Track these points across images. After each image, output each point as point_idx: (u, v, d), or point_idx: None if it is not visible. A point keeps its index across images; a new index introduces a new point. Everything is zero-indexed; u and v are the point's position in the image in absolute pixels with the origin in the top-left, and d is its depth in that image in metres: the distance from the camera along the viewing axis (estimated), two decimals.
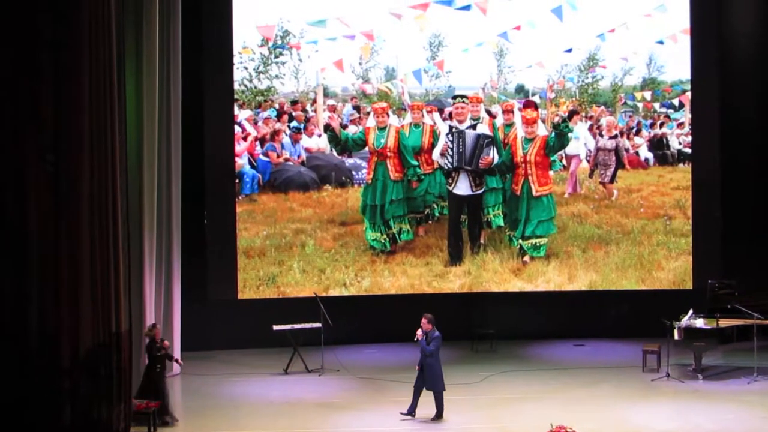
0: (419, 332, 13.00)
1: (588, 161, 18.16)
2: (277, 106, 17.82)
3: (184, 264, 15.86)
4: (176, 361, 14.07)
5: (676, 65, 17.90)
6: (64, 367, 11.69)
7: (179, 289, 15.76)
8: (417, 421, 12.92)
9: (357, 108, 18.06)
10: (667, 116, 18.30)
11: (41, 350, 11.70)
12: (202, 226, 17.16)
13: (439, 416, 13.01)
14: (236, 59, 17.32)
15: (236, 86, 17.38)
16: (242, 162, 17.50)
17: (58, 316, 11.66)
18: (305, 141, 17.85)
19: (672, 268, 17.65)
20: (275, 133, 17.69)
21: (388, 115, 17.52)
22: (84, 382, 11.74)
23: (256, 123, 17.69)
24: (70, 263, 11.64)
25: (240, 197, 17.48)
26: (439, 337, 13.03)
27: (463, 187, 17.44)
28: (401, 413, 12.99)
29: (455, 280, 17.58)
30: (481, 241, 17.70)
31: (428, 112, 17.74)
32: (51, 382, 11.67)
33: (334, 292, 17.27)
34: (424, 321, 13.03)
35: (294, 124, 17.81)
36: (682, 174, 18.05)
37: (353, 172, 17.89)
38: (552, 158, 17.52)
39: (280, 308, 16.91)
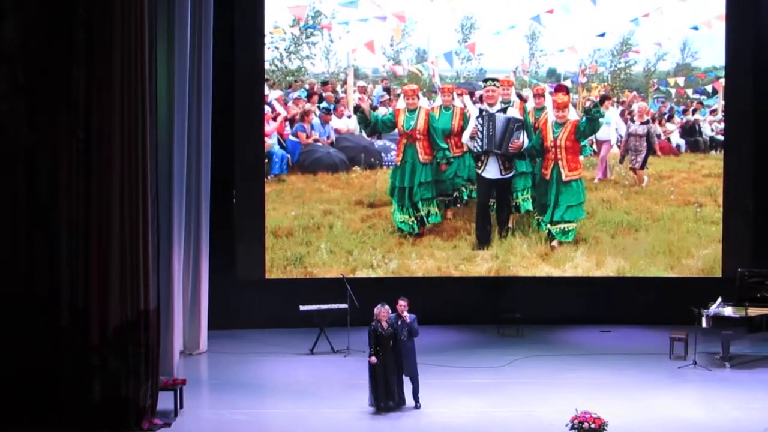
0: (406, 316, 12.81)
1: (619, 147, 18.03)
2: (307, 86, 17.82)
3: (212, 243, 15.93)
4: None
5: (711, 51, 17.70)
6: (93, 344, 11.81)
7: (207, 268, 15.83)
8: (433, 406, 12.94)
9: (387, 89, 18.02)
10: (700, 103, 18.11)
11: (71, 327, 11.83)
12: (231, 205, 17.23)
13: (418, 402, 12.89)
14: (267, 39, 17.32)
15: (267, 66, 17.39)
16: (271, 142, 17.53)
17: (88, 294, 11.78)
18: (335, 122, 17.84)
19: (701, 256, 17.53)
20: (305, 114, 17.70)
21: (418, 98, 17.47)
22: (112, 359, 11.85)
23: (286, 103, 17.70)
24: (99, 241, 11.75)
25: (269, 177, 17.51)
26: (416, 318, 12.92)
27: (492, 170, 17.40)
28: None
29: (483, 264, 17.55)
30: (510, 225, 17.66)
31: (459, 94, 17.67)
32: (80, 358, 11.81)
33: (361, 274, 17.30)
34: (404, 304, 12.88)
35: (324, 104, 17.81)
36: (714, 161, 17.88)
37: (382, 154, 17.87)
38: (582, 143, 17.43)
39: (307, 289, 16.97)
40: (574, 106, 17.49)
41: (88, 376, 11.83)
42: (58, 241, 11.79)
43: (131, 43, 11.72)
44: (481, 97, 17.50)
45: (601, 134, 17.70)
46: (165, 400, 12.48)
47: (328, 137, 17.82)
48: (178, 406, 12.62)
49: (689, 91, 18.06)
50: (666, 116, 18.17)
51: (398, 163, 17.60)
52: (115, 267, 11.76)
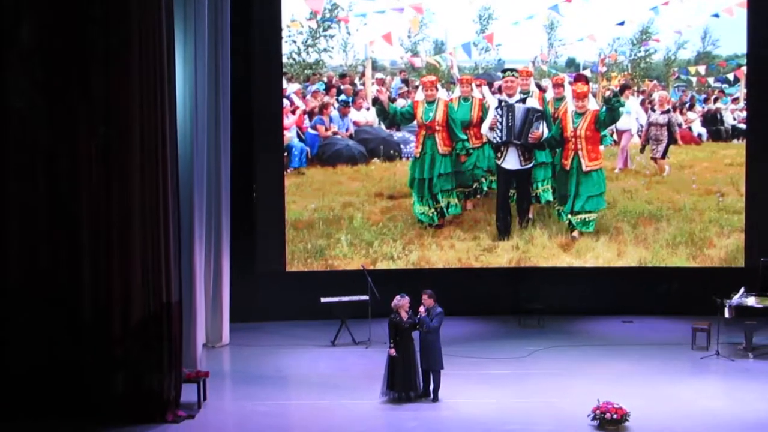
0: (421, 308, 12.79)
1: (639, 136, 17.95)
2: (325, 79, 17.83)
3: (233, 236, 15.99)
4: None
5: (732, 39, 17.57)
6: (116, 336, 11.88)
7: (228, 261, 15.89)
8: (453, 397, 12.93)
9: (405, 81, 18.01)
10: (722, 91, 17.99)
11: (93, 319, 11.91)
12: (251, 198, 17.28)
13: (435, 397, 12.78)
14: (285, 33, 17.34)
15: (285, 59, 17.41)
16: (291, 135, 17.56)
17: (110, 287, 11.84)
18: (353, 114, 17.85)
19: (724, 246, 17.44)
20: (324, 107, 17.72)
21: (436, 89, 17.45)
22: (135, 351, 11.92)
23: (304, 96, 17.72)
24: (121, 235, 11.80)
25: (288, 170, 17.55)
26: (442, 312, 12.79)
27: (511, 161, 17.36)
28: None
29: (503, 255, 17.53)
30: (530, 215, 17.63)
31: (477, 85, 17.64)
32: (103, 350, 11.88)
33: (382, 266, 17.31)
34: (425, 297, 12.80)
35: (342, 97, 17.82)
36: (736, 150, 17.76)
37: (401, 146, 17.87)
38: (603, 133, 17.36)
39: (327, 281, 17.01)
40: (594, 95, 17.42)
41: (112, 368, 11.91)
42: (79, 236, 11.85)
43: (149, 39, 11.75)
44: (500, 88, 17.46)
45: (621, 124, 17.62)
46: (188, 393, 12.53)
47: (347, 130, 17.83)
48: (202, 398, 12.67)
49: (710, 80, 17.95)
50: (687, 105, 18.07)
51: (417, 155, 17.59)
52: (136, 260, 11.81)
